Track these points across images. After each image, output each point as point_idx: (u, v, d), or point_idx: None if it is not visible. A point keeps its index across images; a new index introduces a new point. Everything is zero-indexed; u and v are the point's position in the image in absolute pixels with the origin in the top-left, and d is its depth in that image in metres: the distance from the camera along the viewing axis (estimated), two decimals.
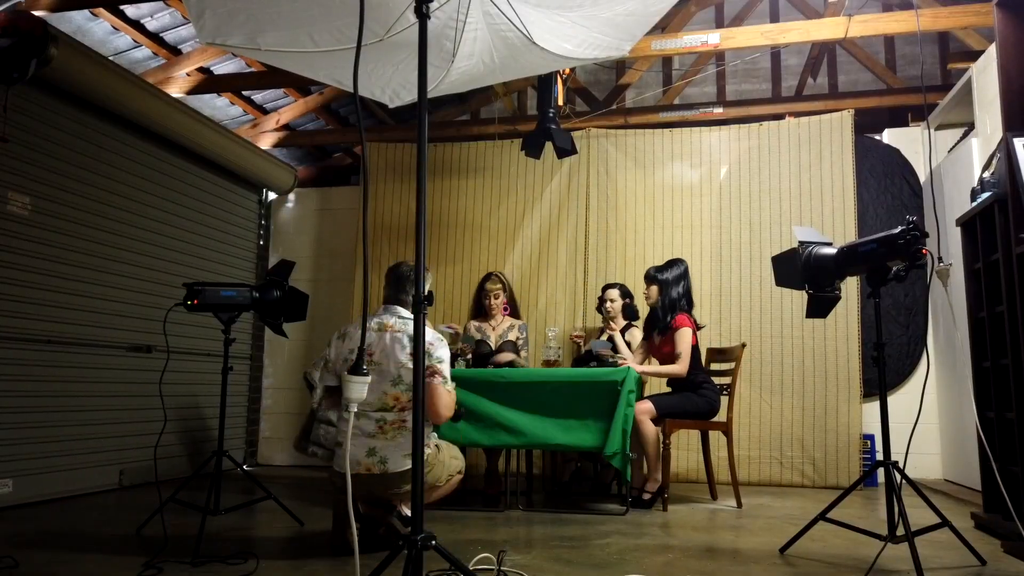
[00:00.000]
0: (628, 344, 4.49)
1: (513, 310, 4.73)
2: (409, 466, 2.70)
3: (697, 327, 4.24)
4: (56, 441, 4.11)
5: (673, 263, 4.35)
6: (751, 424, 5.06)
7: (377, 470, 2.81)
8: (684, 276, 4.32)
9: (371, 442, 2.84)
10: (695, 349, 4.19)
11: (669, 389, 4.33)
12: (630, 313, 4.64)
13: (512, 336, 4.57)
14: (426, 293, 2.80)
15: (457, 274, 5.73)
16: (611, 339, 4.45)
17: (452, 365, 4.26)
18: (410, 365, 2.78)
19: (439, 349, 2.91)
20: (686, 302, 4.28)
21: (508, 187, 5.78)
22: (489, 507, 3.96)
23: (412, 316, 2.68)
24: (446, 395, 2.89)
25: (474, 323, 4.67)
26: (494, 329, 4.61)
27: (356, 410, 2.61)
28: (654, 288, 4.31)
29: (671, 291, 4.26)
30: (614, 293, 4.63)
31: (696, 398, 4.11)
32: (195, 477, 3.83)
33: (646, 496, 3.98)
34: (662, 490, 3.94)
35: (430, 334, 2.91)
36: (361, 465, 2.82)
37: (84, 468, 4.29)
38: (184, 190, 5.30)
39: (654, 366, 4.28)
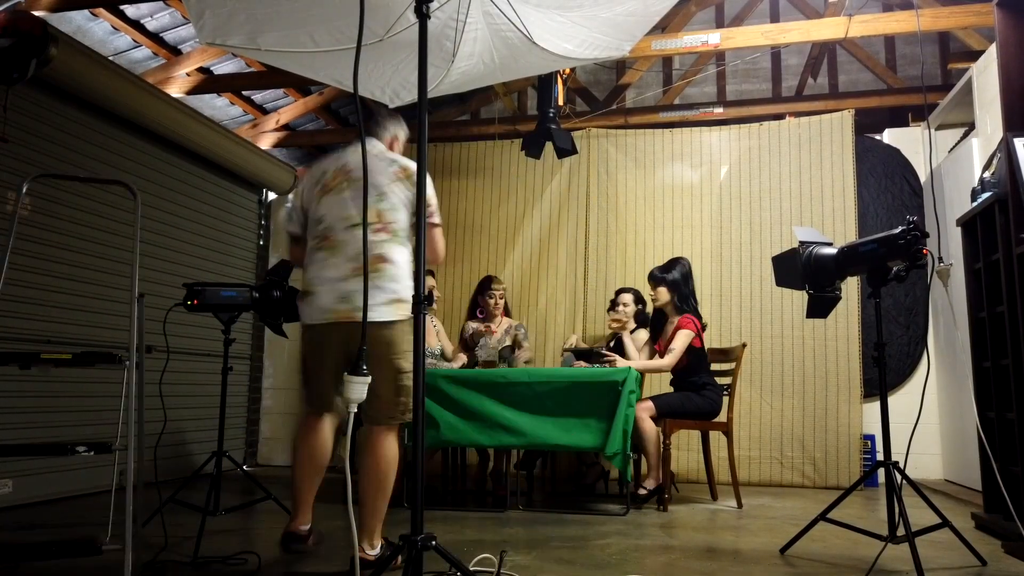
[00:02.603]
0: (626, 344, 4.48)
1: (506, 313, 4.80)
2: (391, 317, 2.50)
3: (702, 327, 4.24)
4: (56, 441, 4.10)
5: (676, 262, 4.36)
6: (751, 424, 5.06)
7: (356, 317, 2.45)
8: (690, 274, 4.34)
9: (344, 286, 2.54)
10: (700, 351, 4.19)
11: (671, 388, 4.33)
12: (641, 321, 4.60)
13: (510, 338, 4.59)
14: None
15: (457, 274, 5.72)
16: (610, 346, 4.45)
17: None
18: (395, 188, 2.58)
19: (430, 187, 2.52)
20: (694, 300, 4.30)
21: (508, 187, 5.78)
22: (489, 507, 3.96)
23: (392, 154, 2.67)
24: (440, 236, 2.72)
25: (472, 324, 4.69)
26: (493, 332, 4.64)
27: (332, 236, 2.56)
28: (662, 289, 4.30)
29: (682, 289, 4.26)
30: (627, 298, 4.55)
31: (697, 398, 4.11)
32: (195, 477, 3.83)
33: (642, 492, 3.97)
34: (662, 490, 3.94)
35: (402, 158, 2.71)
36: (334, 312, 2.54)
37: (84, 468, 4.28)
38: (184, 190, 5.30)
39: (641, 361, 4.26)
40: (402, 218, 2.61)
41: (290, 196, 6.52)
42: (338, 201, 2.62)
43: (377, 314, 2.47)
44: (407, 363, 2.53)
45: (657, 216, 5.47)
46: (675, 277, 4.28)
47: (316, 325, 2.60)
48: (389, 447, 2.59)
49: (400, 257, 2.58)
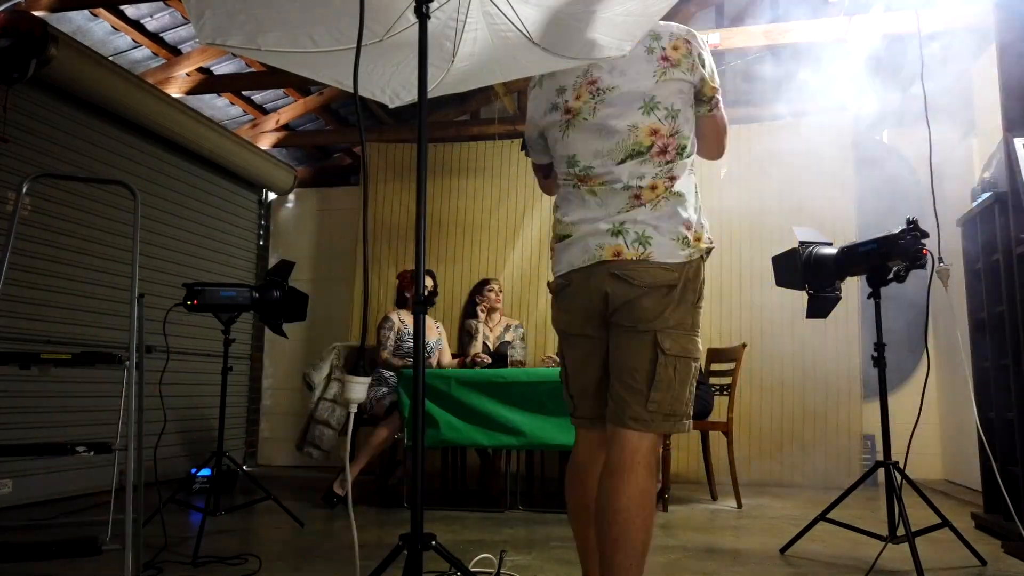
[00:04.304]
0: None
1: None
2: (679, 259, 1.74)
3: None
4: (55, 441, 4.10)
5: None
6: (751, 424, 5.06)
7: (633, 253, 1.74)
8: None
9: (619, 217, 1.77)
10: None
11: None
12: None
13: (509, 336, 4.61)
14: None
15: (457, 274, 5.72)
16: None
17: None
18: (668, 81, 1.79)
19: (707, 51, 1.88)
20: None
21: (508, 187, 5.78)
22: (489, 507, 3.96)
23: (655, 26, 1.81)
24: (725, 123, 1.96)
25: (473, 322, 4.71)
26: (492, 330, 4.66)
27: (581, 165, 1.82)
28: None
29: None
30: None
31: None
32: (195, 478, 3.83)
33: None
34: (662, 490, 3.94)
35: (675, 26, 1.89)
36: (603, 250, 1.76)
37: (84, 468, 4.28)
38: (184, 190, 5.30)
39: None
40: (685, 120, 1.82)
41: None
42: (593, 129, 1.83)
43: (663, 250, 1.74)
44: (679, 341, 1.74)
45: None
46: None
47: (573, 273, 1.82)
48: (634, 473, 1.67)
49: (684, 173, 1.82)
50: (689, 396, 1.79)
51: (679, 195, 1.78)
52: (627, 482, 1.66)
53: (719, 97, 1.89)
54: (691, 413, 1.81)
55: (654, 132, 1.79)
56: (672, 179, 1.78)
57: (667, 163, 1.79)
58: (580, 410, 1.90)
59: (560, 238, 1.88)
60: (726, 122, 1.96)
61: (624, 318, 1.75)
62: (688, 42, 1.84)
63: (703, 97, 1.86)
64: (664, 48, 1.82)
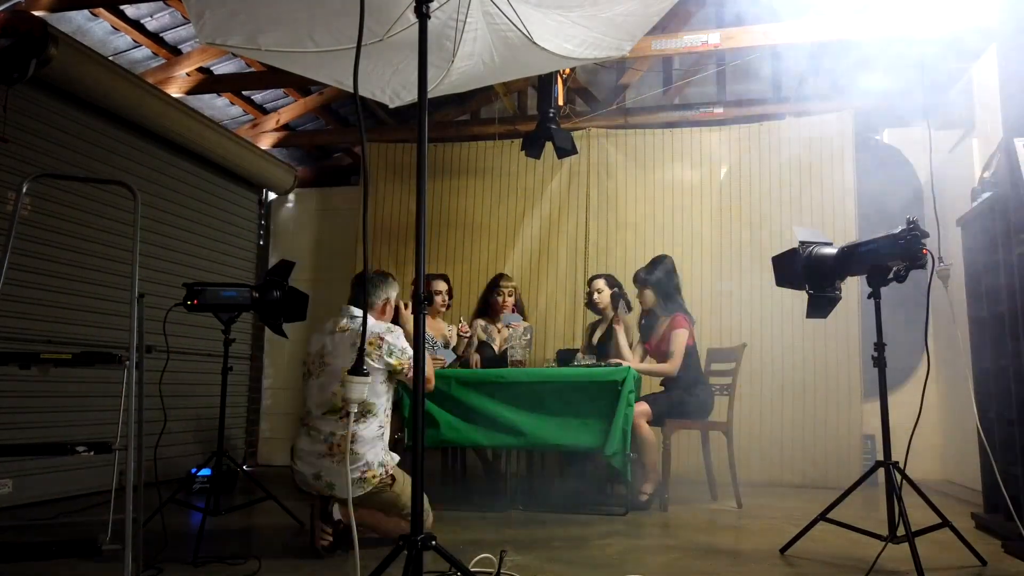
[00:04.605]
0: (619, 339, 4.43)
1: (520, 312, 4.76)
2: (356, 493, 2.75)
3: (692, 323, 4.24)
4: (55, 441, 4.10)
5: (658, 261, 4.33)
6: (751, 424, 5.06)
7: (327, 493, 2.83)
8: (673, 270, 4.32)
9: (320, 463, 2.81)
10: (692, 349, 4.19)
11: (661, 388, 4.33)
12: (617, 302, 4.43)
13: (527, 336, 4.58)
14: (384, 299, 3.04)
15: (457, 274, 5.72)
16: (601, 339, 4.44)
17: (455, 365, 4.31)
18: (369, 362, 2.85)
19: (397, 341, 2.91)
20: (679, 296, 4.29)
21: (508, 187, 5.78)
22: (489, 507, 3.96)
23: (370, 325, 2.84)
24: (428, 367, 2.89)
25: (481, 321, 4.70)
26: (499, 331, 4.63)
27: (316, 413, 2.85)
28: (647, 292, 4.29)
29: (665, 287, 4.25)
30: (601, 283, 4.49)
31: (686, 397, 4.11)
32: (195, 477, 3.83)
33: (643, 497, 3.97)
34: (661, 490, 3.94)
35: (380, 327, 2.93)
36: (312, 487, 2.85)
37: (84, 468, 4.28)
38: (184, 190, 5.30)
39: (646, 364, 4.27)
40: (378, 394, 2.89)
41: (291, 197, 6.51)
42: (316, 386, 2.91)
43: (342, 492, 2.76)
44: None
45: (657, 216, 5.47)
46: (658, 276, 4.27)
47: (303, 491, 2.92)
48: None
49: (368, 431, 2.84)
50: None
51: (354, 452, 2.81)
52: None
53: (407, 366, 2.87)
54: None
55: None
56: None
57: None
58: None
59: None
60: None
61: None
62: (382, 338, 2.89)
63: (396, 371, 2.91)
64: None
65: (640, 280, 4.33)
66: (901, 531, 2.57)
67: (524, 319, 4.75)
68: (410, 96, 2.39)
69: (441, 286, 4.55)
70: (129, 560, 2.13)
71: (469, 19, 2.05)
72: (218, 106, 5.91)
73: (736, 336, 5.10)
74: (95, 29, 4.69)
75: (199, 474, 4.25)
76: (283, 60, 2.13)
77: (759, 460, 5.02)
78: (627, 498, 3.95)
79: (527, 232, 5.67)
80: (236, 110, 6.02)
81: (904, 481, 2.74)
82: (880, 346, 2.82)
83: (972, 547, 2.73)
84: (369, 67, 2.20)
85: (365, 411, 2.79)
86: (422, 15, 1.89)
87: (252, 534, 3.42)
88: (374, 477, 2.80)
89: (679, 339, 4.10)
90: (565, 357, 4.23)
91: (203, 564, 2.66)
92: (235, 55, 5.24)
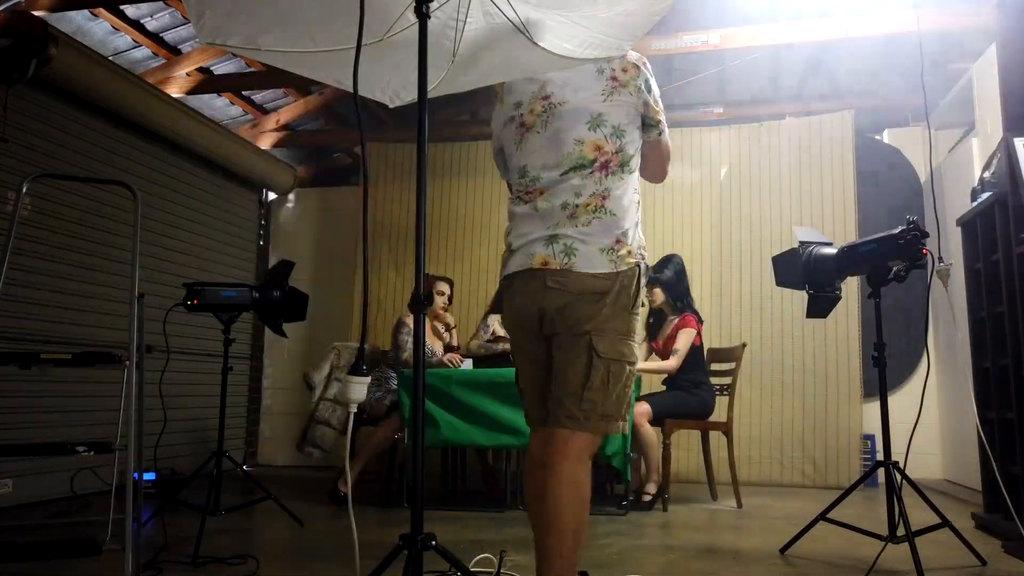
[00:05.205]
0: None
1: None
2: (606, 269, 1.83)
3: (700, 324, 4.24)
4: (56, 441, 4.10)
5: (668, 260, 4.33)
6: (751, 424, 5.06)
7: (557, 263, 1.83)
8: (683, 270, 4.32)
9: (552, 231, 1.86)
10: (698, 349, 4.19)
11: (664, 386, 4.32)
12: None
13: None
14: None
15: (458, 274, 5.72)
16: None
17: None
18: (614, 101, 1.91)
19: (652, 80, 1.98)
20: (689, 296, 4.29)
21: None
22: (489, 507, 3.96)
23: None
24: (668, 148, 2.09)
25: (496, 317, 4.70)
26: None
27: (530, 176, 1.92)
28: (657, 290, 4.29)
29: (676, 287, 4.25)
30: None
31: (688, 397, 4.11)
32: (195, 477, 3.83)
33: (646, 498, 3.97)
34: (662, 491, 3.94)
35: (633, 54, 1.99)
36: (533, 258, 1.86)
37: (84, 468, 4.28)
38: (184, 190, 5.30)
39: (646, 363, 4.26)
40: (630, 140, 1.94)
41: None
42: (543, 141, 1.93)
43: (587, 261, 1.82)
44: (613, 345, 1.82)
45: (657, 216, 5.46)
46: (669, 276, 4.27)
47: (515, 276, 1.92)
48: (569, 467, 1.79)
49: (623, 190, 1.92)
50: (626, 399, 1.87)
51: (612, 213, 1.89)
52: (556, 473, 1.77)
53: (665, 124, 2.02)
54: (626, 416, 1.89)
55: (598, 148, 1.90)
56: (606, 197, 1.89)
57: (606, 178, 1.90)
58: (529, 413, 2.00)
59: (508, 249, 1.99)
60: (670, 148, 2.11)
61: (559, 324, 1.84)
62: (638, 67, 1.96)
63: (650, 121, 1.99)
64: (614, 69, 1.94)
65: (650, 279, 4.33)
66: (901, 531, 2.57)
67: None
68: (410, 96, 2.38)
69: (444, 288, 4.55)
70: (129, 560, 2.13)
71: (469, 19, 2.05)
72: (218, 106, 5.91)
73: (736, 336, 5.10)
74: (95, 29, 4.69)
75: (144, 478, 4.23)
76: (283, 60, 2.12)
77: (759, 460, 5.03)
78: (627, 498, 3.94)
79: None
80: (236, 110, 6.02)
81: (904, 481, 2.74)
82: (880, 346, 2.81)
83: (972, 547, 2.73)
84: (369, 67, 2.19)
85: (621, 163, 1.91)
86: (422, 15, 1.88)
87: (252, 534, 3.42)
88: (629, 255, 1.87)
89: (685, 338, 4.10)
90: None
91: (203, 564, 2.66)
92: (235, 55, 5.24)
